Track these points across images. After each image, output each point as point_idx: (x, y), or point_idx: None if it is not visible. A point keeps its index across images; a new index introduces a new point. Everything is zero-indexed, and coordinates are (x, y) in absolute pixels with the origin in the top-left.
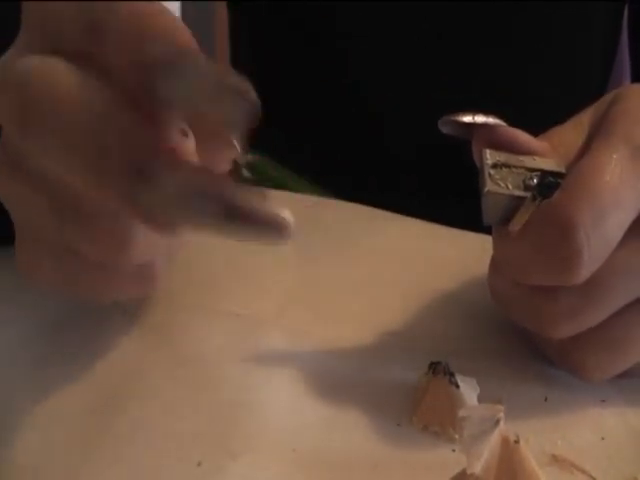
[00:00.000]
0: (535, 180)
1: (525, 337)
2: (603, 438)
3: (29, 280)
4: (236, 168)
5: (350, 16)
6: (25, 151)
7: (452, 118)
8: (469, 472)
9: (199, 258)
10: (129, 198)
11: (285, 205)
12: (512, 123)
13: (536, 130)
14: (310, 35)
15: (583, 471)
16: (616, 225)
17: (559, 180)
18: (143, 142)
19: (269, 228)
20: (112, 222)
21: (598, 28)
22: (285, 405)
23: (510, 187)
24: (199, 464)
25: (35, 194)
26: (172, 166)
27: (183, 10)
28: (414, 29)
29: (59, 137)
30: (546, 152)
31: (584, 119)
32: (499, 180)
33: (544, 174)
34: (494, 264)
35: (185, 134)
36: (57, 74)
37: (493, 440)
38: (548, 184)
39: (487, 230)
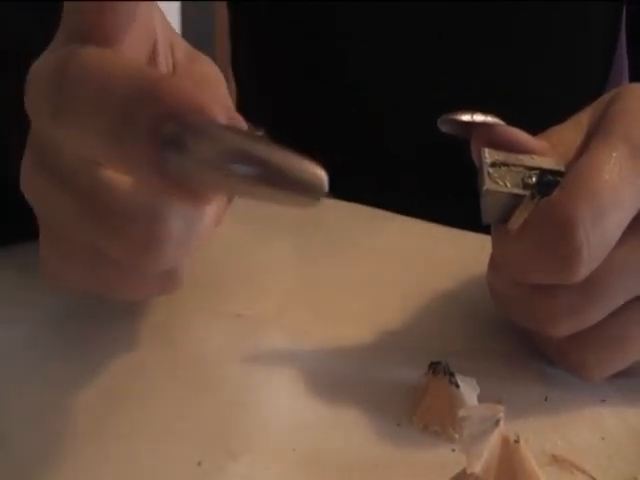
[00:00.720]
0: (534, 178)
1: (525, 337)
2: (603, 438)
3: (52, 281)
4: None
5: (350, 16)
6: (56, 141)
7: (451, 117)
8: (469, 472)
9: (199, 259)
10: (159, 167)
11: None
12: (511, 122)
13: (536, 129)
14: (310, 35)
15: (583, 471)
16: (615, 223)
17: (558, 178)
18: (171, 107)
19: (303, 190)
20: (143, 225)
21: (597, 28)
22: (285, 405)
23: (509, 185)
24: (199, 464)
25: (63, 194)
26: (203, 130)
27: (183, 10)
28: (414, 29)
29: (91, 111)
30: (545, 151)
31: (583, 118)
32: (498, 179)
33: (543, 172)
34: (493, 263)
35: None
36: (93, 51)
37: (493, 440)
38: (547, 182)
39: (487, 230)
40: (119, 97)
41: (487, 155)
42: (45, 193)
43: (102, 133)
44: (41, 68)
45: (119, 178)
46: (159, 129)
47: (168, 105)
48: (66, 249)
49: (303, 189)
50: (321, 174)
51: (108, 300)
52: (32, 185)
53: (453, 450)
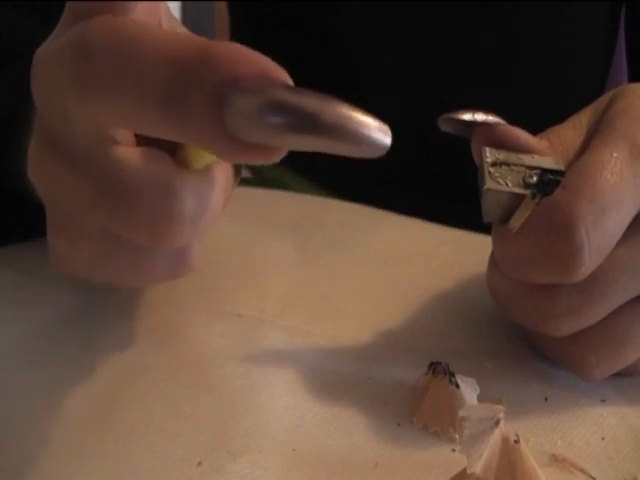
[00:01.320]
0: (535, 178)
1: (525, 336)
2: (603, 438)
3: (61, 268)
4: (237, 168)
5: (350, 16)
6: (70, 119)
7: (452, 116)
8: (469, 472)
9: (200, 259)
10: (224, 127)
11: (285, 205)
12: (512, 122)
13: (536, 129)
14: (310, 35)
15: (583, 471)
16: (616, 223)
17: (558, 178)
18: (232, 71)
19: (361, 142)
20: (158, 202)
21: (597, 28)
22: (285, 405)
23: (510, 185)
24: (199, 464)
25: (75, 175)
26: (250, 84)
27: (183, 10)
28: (414, 29)
29: (132, 78)
30: (545, 150)
31: (582, 118)
32: (499, 178)
33: (543, 172)
34: (493, 263)
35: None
36: (120, 20)
37: (493, 440)
38: (547, 182)
39: (487, 230)
40: (171, 63)
41: (488, 154)
42: (56, 177)
43: (151, 99)
44: (54, 46)
45: (133, 156)
46: (221, 92)
47: (229, 69)
48: (77, 235)
49: (369, 143)
50: (384, 128)
51: (117, 289)
52: (41, 171)
53: (453, 450)
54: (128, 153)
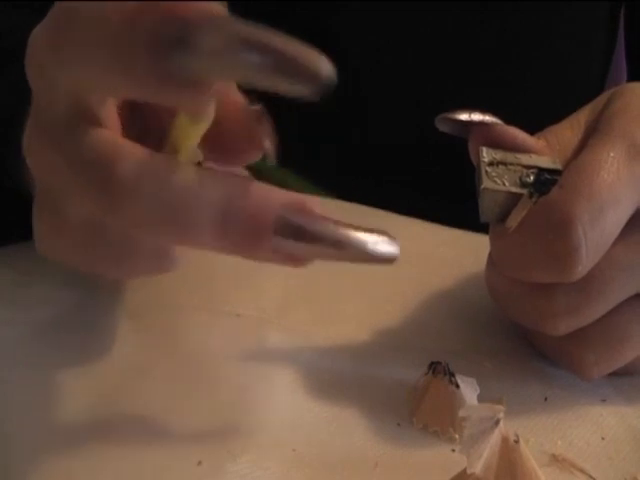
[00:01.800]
0: (532, 177)
1: (524, 336)
2: (603, 438)
3: (46, 255)
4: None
5: (350, 15)
6: (55, 94)
7: (449, 116)
8: (469, 472)
9: (199, 258)
10: (163, 71)
11: None
12: (509, 121)
13: (534, 129)
14: (311, 35)
15: (583, 471)
16: (613, 222)
17: (556, 177)
18: (168, 10)
19: (309, 78)
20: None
21: (597, 27)
22: (285, 405)
23: (507, 184)
24: (199, 464)
25: (58, 156)
26: (206, 23)
27: None
28: (414, 29)
29: (90, 37)
30: (543, 150)
31: (581, 117)
32: (496, 177)
33: (540, 171)
34: (491, 262)
35: None
36: None
37: (493, 440)
38: (545, 181)
39: (486, 230)
40: (116, 16)
41: (485, 154)
42: (41, 157)
43: (103, 56)
44: (40, 25)
45: (112, 137)
46: (158, 33)
47: (164, 8)
48: (61, 223)
49: (310, 77)
50: (328, 64)
51: (117, 289)
52: (32, 150)
53: (453, 450)
54: (107, 134)
